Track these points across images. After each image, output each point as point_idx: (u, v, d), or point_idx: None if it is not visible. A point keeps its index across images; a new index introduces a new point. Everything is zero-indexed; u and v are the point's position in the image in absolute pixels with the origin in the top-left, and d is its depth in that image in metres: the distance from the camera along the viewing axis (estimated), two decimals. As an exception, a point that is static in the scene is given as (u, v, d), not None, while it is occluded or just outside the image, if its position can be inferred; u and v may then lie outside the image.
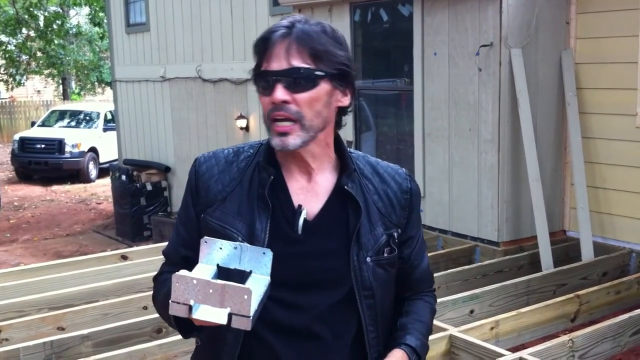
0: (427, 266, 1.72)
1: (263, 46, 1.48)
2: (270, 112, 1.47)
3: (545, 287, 4.55)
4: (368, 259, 1.53)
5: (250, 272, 1.38)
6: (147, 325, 3.76)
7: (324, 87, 1.48)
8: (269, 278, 1.38)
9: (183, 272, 1.31)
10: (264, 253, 1.39)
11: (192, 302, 1.28)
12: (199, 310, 1.29)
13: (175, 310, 1.30)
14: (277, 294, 1.48)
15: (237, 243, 1.40)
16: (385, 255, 1.57)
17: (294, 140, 1.46)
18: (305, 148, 1.50)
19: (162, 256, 1.71)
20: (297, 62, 1.44)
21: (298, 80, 1.45)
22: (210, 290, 1.28)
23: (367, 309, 1.55)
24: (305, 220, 1.51)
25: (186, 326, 1.48)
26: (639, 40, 4.83)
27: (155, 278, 1.69)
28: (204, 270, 1.37)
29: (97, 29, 23.83)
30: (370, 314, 1.55)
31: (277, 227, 1.50)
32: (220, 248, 1.39)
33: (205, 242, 1.40)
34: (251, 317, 1.28)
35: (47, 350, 3.47)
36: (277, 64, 1.45)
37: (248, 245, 1.41)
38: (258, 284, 1.36)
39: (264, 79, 1.47)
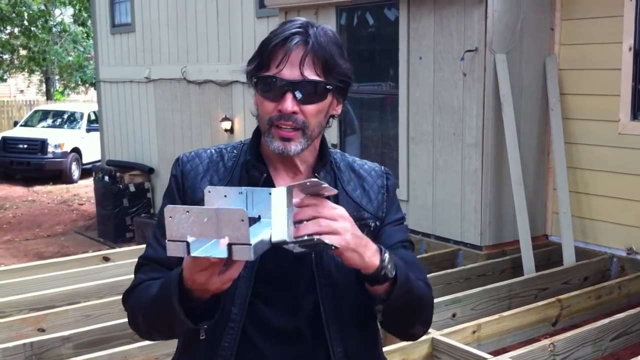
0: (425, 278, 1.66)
1: (275, 49, 1.45)
2: (276, 119, 1.47)
3: (527, 291, 4.57)
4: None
5: (259, 217, 1.31)
6: (128, 327, 3.72)
7: (329, 99, 1.50)
8: None
9: (173, 206, 1.23)
10: (269, 194, 1.30)
11: (189, 238, 1.20)
12: (197, 249, 1.21)
13: (172, 250, 1.21)
14: (265, 291, 1.49)
15: (243, 188, 1.33)
16: None
17: (295, 146, 1.48)
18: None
19: (136, 266, 1.63)
20: (310, 74, 1.44)
21: (309, 93, 1.45)
22: (205, 219, 1.20)
23: (327, 297, 1.50)
24: None
25: (195, 311, 1.37)
26: (622, 47, 4.88)
27: (129, 291, 1.62)
28: None
29: (80, 28, 23.68)
30: (330, 303, 1.50)
31: None
32: (225, 196, 1.32)
33: (209, 191, 1.32)
34: (252, 245, 1.19)
35: (27, 352, 3.43)
36: (290, 72, 1.44)
37: (253, 188, 1.33)
38: (267, 227, 1.29)
39: (271, 84, 1.46)
